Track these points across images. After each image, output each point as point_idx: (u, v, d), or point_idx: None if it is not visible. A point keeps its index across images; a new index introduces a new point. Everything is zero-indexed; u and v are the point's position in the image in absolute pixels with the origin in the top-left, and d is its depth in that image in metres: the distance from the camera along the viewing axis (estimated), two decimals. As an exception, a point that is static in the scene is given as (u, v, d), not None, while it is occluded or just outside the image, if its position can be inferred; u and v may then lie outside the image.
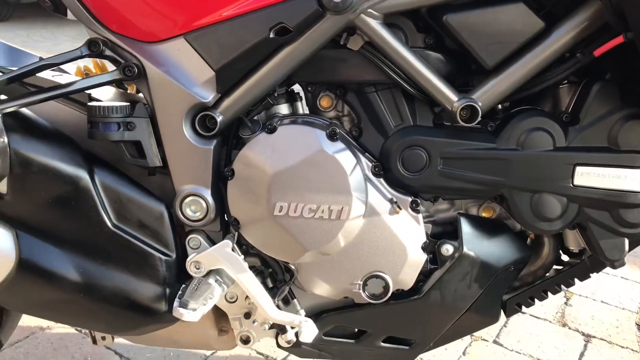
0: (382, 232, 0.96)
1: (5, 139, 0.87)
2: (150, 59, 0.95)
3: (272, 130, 0.95)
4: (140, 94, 1.14)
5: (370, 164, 0.97)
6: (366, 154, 0.98)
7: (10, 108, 0.88)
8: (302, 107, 1.05)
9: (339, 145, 0.94)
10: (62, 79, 1.08)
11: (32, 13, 6.11)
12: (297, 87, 1.05)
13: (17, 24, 5.75)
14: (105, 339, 1.13)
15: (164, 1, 0.94)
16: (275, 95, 1.00)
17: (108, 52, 0.96)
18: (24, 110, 0.94)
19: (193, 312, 0.91)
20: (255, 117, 1.00)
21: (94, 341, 1.13)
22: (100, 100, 1.00)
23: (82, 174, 0.93)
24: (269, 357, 1.56)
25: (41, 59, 1.27)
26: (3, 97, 0.91)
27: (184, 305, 0.91)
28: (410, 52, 0.93)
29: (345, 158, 0.93)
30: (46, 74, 1.05)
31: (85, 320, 1.02)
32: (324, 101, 1.03)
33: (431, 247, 1.01)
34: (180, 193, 0.98)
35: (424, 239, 0.99)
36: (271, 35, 0.92)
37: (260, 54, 0.93)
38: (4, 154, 0.87)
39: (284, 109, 1.02)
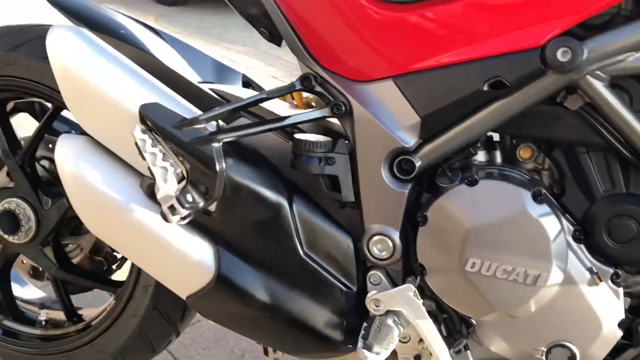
0: (577, 303, 0.91)
1: (224, 165, 0.93)
2: (357, 98, 0.97)
3: (473, 183, 0.93)
4: (329, 120, 1.17)
5: (571, 228, 0.92)
6: (567, 215, 0.94)
7: (231, 137, 0.94)
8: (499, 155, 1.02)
9: (544, 208, 0.90)
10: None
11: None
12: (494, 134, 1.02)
13: (192, 10, 6.15)
14: (276, 352, 1.18)
15: (382, 43, 0.95)
16: (478, 145, 0.98)
17: (318, 88, 0.99)
18: (235, 135, 1.01)
19: (377, 355, 0.92)
20: (454, 165, 0.99)
21: (266, 352, 1.19)
22: (303, 131, 1.04)
23: (283, 202, 0.98)
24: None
25: (244, 76, 1.35)
26: (223, 125, 0.98)
27: (368, 347, 0.93)
28: (635, 117, 0.86)
29: (550, 223, 0.89)
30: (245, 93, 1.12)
31: (265, 337, 1.08)
32: (524, 152, 0.98)
33: (627, 323, 0.94)
34: (369, 231, 1.00)
35: (622, 315, 0.92)
36: (485, 88, 0.90)
37: (470, 105, 0.92)
38: (220, 178, 0.93)
39: (480, 156, 1.00)
